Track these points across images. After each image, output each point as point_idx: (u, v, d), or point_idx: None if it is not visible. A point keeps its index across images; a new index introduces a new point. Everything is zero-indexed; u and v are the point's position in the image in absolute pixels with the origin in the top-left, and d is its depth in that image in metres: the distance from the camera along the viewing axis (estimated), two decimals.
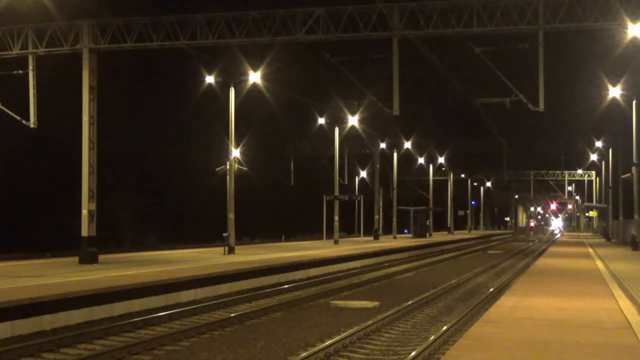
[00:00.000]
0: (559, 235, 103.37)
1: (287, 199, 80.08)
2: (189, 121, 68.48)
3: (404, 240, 61.43)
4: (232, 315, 18.72)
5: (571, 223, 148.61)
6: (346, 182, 70.62)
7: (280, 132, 74.62)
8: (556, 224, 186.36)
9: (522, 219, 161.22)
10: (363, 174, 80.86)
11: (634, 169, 47.11)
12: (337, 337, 15.24)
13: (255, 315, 19.21)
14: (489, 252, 56.98)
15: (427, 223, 74.91)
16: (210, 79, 37.34)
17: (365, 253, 39.19)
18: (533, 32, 27.36)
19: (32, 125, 29.73)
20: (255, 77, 36.92)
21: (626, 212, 59.37)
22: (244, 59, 36.65)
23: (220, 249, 36.82)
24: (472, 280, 30.48)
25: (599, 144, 73.09)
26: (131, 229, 61.44)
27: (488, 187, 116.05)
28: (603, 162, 74.44)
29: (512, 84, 30.40)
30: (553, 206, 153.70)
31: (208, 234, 57.14)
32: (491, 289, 25.28)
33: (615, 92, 44.45)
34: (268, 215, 76.84)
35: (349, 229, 78.53)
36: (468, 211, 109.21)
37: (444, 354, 12.44)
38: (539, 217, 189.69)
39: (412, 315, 19.72)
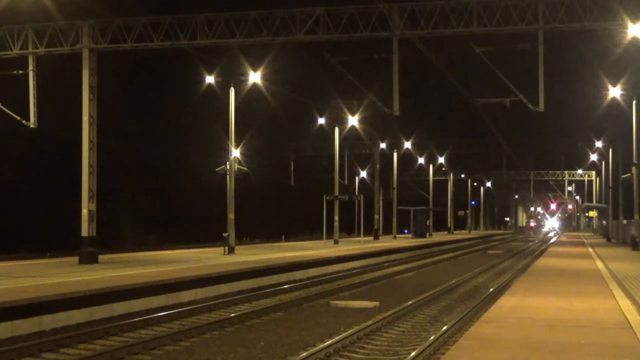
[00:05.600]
0: (554, 239, 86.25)
1: (287, 199, 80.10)
2: (189, 121, 68.57)
3: (404, 240, 61.42)
4: (232, 315, 18.71)
5: (571, 223, 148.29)
6: (346, 182, 70.66)
7: (280, 132, 74.74)
8: (551, 223, 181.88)
9: (522, 219, 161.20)
10: (363, 174, 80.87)
11: (634, 169, 47.08)
12: (337, 337, 15.24)
13: (255, 315, 19.20)
14: (489, 252, 56.97)
15: (427, 223, 74.89)
16: (210, 79, 37.36)
17: (365, 253, 39.19)
18: (533, 32, 27.37)
19: (32, 125, 29.72)
20: (255, 77, 36.93)
21: (626, 212, 59.35)
22: (244, 59, 36.68)
23: (220, 249, 36.81)
24: (472, 280, 30.47)
25: (599, 144, 73.15)
26: (131, 229, 61.42)
27: (488, 187, 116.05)
28: (603, 162, 74.44)
29: (512, 84, 30.38)
30: (553, 206, 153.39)
31: (208, 234, 57.11)
32: (491, 289, 25.26)
33: (615, 92, 44.43)
34: (268, 215, 76.82)
35: (349, 229, 78.56)
36: (468, 211, 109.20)
37: (444, 354, 12.44)
38: (539, 217, 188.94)
39: (412, 315, 19.71)
